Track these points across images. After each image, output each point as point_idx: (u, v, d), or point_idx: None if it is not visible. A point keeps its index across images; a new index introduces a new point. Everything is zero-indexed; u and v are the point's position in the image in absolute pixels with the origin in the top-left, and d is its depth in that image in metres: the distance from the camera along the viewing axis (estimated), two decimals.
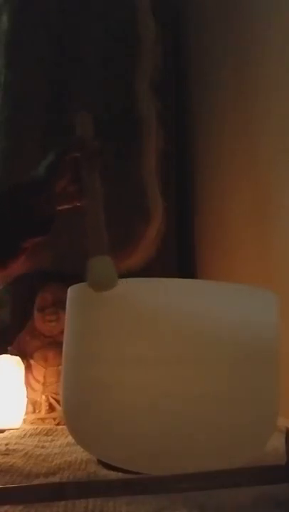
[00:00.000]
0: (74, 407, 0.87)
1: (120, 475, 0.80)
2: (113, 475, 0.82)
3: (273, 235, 1.17)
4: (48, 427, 1.30)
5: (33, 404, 1.38)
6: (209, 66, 1.60)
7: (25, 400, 1.31)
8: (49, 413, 1.37)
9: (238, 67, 1.38)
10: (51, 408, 1.37)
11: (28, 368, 1.40)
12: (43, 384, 1.39)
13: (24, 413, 1.31)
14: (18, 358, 1.35)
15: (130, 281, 0.89)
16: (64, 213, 0.76)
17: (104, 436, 0.81)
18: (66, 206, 0.76)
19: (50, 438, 1.16)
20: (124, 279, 0.83)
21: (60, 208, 0.76)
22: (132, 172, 1.56)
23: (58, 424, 1.32)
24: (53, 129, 1.60)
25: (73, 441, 0.97)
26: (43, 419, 1.35)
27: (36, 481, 0.80)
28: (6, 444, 1.06)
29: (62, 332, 0.93)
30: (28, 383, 1.37)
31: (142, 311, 0.80)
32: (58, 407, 1.35)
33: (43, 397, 1.38)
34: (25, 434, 1.19)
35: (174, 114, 1.69)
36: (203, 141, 1.64)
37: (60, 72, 1.63)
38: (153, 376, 0.78)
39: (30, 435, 1.19)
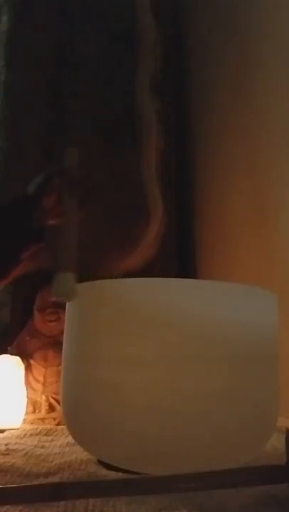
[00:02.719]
0: (74, 407, 0.87)
1: (120, 475, 0.81)
2: (113, 475, 0.82)
3: (273, 235, 1.17)
4: (48, 427, 1.30)
5: (33, 404, 1.38)
6: (209, 66, 1.60)
7: (25, 400, 1.31)
8: (49, 413, 1.37)
9: (238, 67, 1.38)
10: (51, 408, 1.37)
11: (28, 368, 1.40)
12: (43, 384, 1.39)
13: (24, 413, 1.31)
14: (18, 358, 1.35)
15: (130, 282, 0.89)
16: (55, 227, 0.84)
17: (104, 436, 0.82)
18: (54, 221, 0.85)
19: (50, 438, 1.16)
20: (122, 279, 0.83)
21: (50, 222, 0.84)
22: (132, 172, 1.56)
23: (58, 424, 1.32)
24: (53, 129, 1.61)
25: (73, 441, 0.97)
26: (43, 419, 1.35)
27: (36, 481, 0.80)
28: (6, 444, 1.06)
29: (62, 332, 0.93)
30: (28, 383, 1.37)
31: (142, 311, 0.80)
32: (58, 407, 1.35)
33: (43, 397, 1.38)
34: (25, 434, 1.19)
35: (174, 114, 1.69)
36: (203, 141, 1.64)
37: (60, 72, 1.63)
38: (153, 376, 0.78)
39: (30, 435, 1.19)
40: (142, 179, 1.56)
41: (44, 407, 1.37)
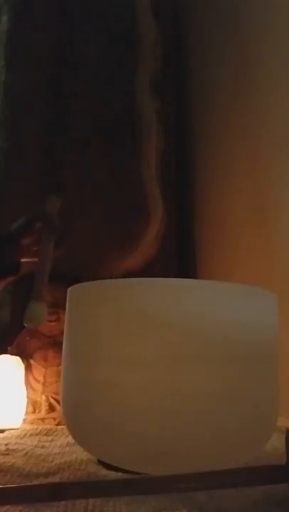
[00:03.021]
0: (74, 407, 0.87)
1: (120, 475, 0.81)
2: (113, 475, 0.82)
3: (273, 235, 1.17)
4: (48, 427, 1.30)
5: (33, 404, 1.38)
6: (209, 66, 1.60)
7: (25, 400, 1.31)
8: (49, 413, 1.37)
9: (238, 67, 1.38)
10: (51, 408, 1.37)
11: (28, 368, 1.40)
12: (43, 384, 1.39)
13: (24, 413, 1.31)
14: (18, 358, 1.35)
15: (130, 282, 0.89)
16: (25, 265, 0.98)
17: (104, 436, 0.82)
18: (27, 259, 0.97)
19: (50, 438, 1.16)
20: (122, 279, 0.84)
21: (23, 259, 0.97)
22: (132, 172, 1.56)
23: (58, 424, 1.32)
24: (53, 129, 1.61)
25: (73, 441, 0.97)
26: (43, 419, 1.35)
27: (36, 481, 0.80)
28: (6, 444, 1.06)
29: (62, 332, 0.93)
30: (28, 383, 1.37)
31: (141, 310, 0.80)
32: (58, 407, 1.35)
33: (43, 397, 1.38)
34: (25, 434, 1.19)
35: (174, 114, 1.69)
36: (203, 141, 1.64)
37: (60, 72, 1.63)
38: (153, 376, 0.78)
39: (30, 435, 1.19)
40: (142, 179, 1.56)
41: (44, 407, 1.37)
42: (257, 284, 0.93)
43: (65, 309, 0.93)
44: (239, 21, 1.37)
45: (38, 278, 0.90)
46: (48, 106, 1.61)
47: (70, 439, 1.05)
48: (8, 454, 0.98)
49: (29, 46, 1.63)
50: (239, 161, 1.37)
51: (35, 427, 1.29)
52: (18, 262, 0.97)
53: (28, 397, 1.34)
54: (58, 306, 1.42)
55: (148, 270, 1.46)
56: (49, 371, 1.40)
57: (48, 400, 1.38)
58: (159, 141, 1.59)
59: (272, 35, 1.19)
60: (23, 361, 1.37)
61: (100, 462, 0.89)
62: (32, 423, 1.33)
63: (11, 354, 1.37)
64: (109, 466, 0.85)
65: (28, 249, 0.97)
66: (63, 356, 0.91)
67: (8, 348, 1.42)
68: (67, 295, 0.92)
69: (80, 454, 0.95)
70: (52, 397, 1.38)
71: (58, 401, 1.36)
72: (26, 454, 0.99)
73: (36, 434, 1.20)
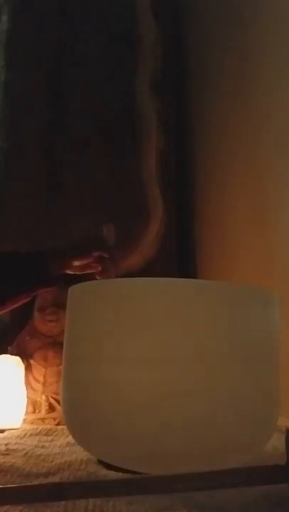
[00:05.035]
0: (74, 406, 0.87)
1: (120, 475, 0.81)
2: (113, 475, 0.82)
3: (273, 235, 1.17)
4: (48, 427, 1.30)
5: (33, 404, 1.38)
6: (209, 66, 1.60)
7: (25, 400, 1.31)
8: (49, 413, 1.37)
9: (238, 67, 1.38)
10: (51, 408, 1.37)
11: (28, 368, 1.40)
12: (43, 384, 1.39)
13: (24, 413, 1.31)
14: (18, 358, 1.35)
15: (130, 281, 0.89)
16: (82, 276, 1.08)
17: (104, 436, 0.82)
18: (74, 272, 1.08)
19: (50, 438, 1.16)
20: (122, 279, 0.84)
21: (79, 272, 1.08)
22: (132, 172, 1.56)
23: (58, 424, 1.32)
24: (53, 129, 1.61)
25: (73, 441, 0.97)
26: (43, 419, 1.35)
27: (36, 481, 0.80)
28: (6, 444, 1.06)
29: (62, 332, 0.93)
30: (28, 383, 1.37)
31: (142, 311, 0.80)
32: (58, 407, 1.35)
33: (43, 397, 1.38)
34: (25, 434, 1.19)
35: (174, 114, 1.69)
36: (203, 141, 1.64)
37: (60, 72, 1.63)
38: (153, 376, 0.78)
39: (30, 435, 1.19)
40: (142, 179, 1.56)
41: (44, 407, 1.37)
42: (257, 284, 0.92)
43: (65, 309, 0.93)
44: (239, 21, 1.37)
45: None
46: (48, 106, 1.61)
47: (70, 439, 1.05)
48: (8, 454, 0.98)
49: (29, 46, 1.63)
50: (239, 161, 1.37)
51: (35, 427, 1.29)
52: (56, 275, 1.06)
53: (28, 397, 1.34)
54: (58, 306, 1.42)
55: (148, 270, 1.46)
56: (49, 371, 1.40)
57: (48, 399, 1.38)
58: (159, 141, 1.59)
59: (273, 35, 1.19)
60: (23, 361, 1.37)
61: (100, 462, 0.89)
62: (32, 423, 1.33)
63: (11, 354, 1.37)
64: (109, 466, 0.85)
65: (75, 267, 1.07)
66: (63, 356, 0.91)
67: (8, 348, 1.42)
68: (68, 295, 0.92)
69: (80, 454, 0.95)
70: (52, 397, 1.38)
71: (58, 401, 1.36)
72: (26, 454, 0.99)
73: (36, 434, 1.20)
